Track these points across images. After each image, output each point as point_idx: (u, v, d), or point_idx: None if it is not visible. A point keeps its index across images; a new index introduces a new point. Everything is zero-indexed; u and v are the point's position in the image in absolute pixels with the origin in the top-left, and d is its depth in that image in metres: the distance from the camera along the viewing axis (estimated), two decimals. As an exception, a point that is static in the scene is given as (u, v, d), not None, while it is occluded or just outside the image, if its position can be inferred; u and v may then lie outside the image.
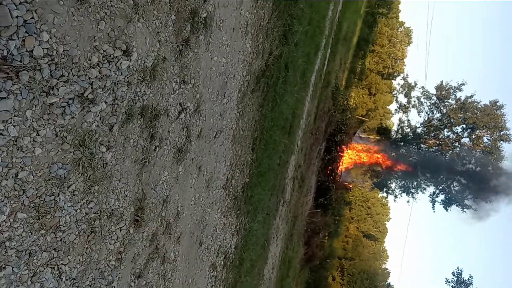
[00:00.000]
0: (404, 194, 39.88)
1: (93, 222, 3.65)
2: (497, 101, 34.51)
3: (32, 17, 2.66)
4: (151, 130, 4.48)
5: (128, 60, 3.67)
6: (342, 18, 24.80)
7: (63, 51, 2.95)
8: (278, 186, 12.99)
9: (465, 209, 34.64)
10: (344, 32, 28.78)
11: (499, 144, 33.63)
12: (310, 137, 21.92)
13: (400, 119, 43.73)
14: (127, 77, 3.77)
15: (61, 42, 2.91)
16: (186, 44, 4.93)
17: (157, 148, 4.67)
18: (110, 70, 3.48)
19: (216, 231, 7.09)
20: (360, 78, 59.16)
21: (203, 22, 5.22)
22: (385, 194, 44.30)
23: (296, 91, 12.01)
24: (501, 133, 33.82)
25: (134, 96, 3.99)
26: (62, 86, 3.01)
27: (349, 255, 53.12)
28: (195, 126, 5.59)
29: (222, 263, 7.53)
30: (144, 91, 4.17)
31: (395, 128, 45.96)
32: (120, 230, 4.03)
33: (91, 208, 3.60)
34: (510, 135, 33.73)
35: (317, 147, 25.16)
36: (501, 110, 34.00)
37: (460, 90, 36.47)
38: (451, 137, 37.04)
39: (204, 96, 5.69)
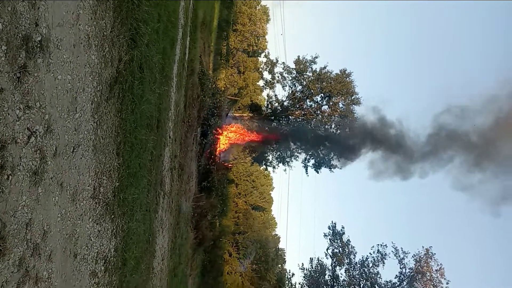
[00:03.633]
0: (280, 164, 43.03)
1: (-50, 263, 3.76)
2: (346, 70, 38.96)
3: None
4: (0, 161, 4.58)
5: (-40, 103, 3.78)
6: (196, 5, 25.31)
7: None
8: (155, 181, 13.34)
9: (332, 169, 38.92)
10: (202, 18, 29.40)
11: (352, 107, 38.19)
12: (183, 125, 22.38)
13: (268, 95, 46.52)
14: (-37, 118, 3.87)
15: None
16: (24, 70, 5.03)
17: (10, 176, 4.78)
18: None
19: (91, 240, 7.31)
20: (227, 58, 60.70)
21: (39, 45, 5.33)
22: (264, 167, 47.13)
23: (157, 88, 12.34)
24: (352, 97, 38.40)
25: (-26, 134, 4.08)
26: None
27: (241, 229, 55.55)
28: (48, 146, 5.72)
29: (103, 268, 7.79)
30: (-15, 126, 4.27)
31: (265, 104, 48.80)
32: (-17, 264, 4.17)
33: None
34: (359, 98, 38.50)
35: (192, 134, 25.76)
36: (350, 77, 38.50)
37: (315, 62, 40.23)
38: (313, 106, 40.80)
39: (53, 115, 5.82)
